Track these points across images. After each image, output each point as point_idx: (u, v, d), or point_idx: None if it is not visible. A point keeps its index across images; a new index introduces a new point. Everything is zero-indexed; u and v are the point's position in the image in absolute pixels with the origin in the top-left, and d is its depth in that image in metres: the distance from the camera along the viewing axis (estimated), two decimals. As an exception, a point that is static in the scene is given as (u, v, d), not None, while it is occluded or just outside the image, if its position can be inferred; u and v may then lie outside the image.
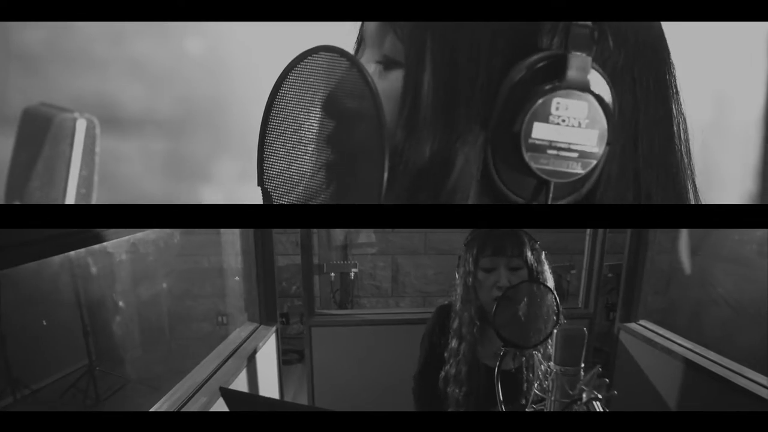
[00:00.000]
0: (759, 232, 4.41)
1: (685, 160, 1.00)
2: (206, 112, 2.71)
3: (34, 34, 2.56)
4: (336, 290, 6.28)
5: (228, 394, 1.34)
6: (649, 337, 3.29)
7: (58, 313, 4.52)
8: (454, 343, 2.11)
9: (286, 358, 5.06)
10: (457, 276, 2.17)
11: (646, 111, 0.96)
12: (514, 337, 1.52)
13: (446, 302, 2.25)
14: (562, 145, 0.88)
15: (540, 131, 0.87)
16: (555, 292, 1.61)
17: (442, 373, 2.10)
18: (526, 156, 0.88)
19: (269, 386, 3.32)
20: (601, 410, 1.23)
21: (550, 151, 0.88)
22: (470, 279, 2.08)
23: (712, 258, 5.06)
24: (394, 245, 6.29)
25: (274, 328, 3.34)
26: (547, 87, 0.87)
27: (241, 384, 2.80)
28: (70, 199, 0.95)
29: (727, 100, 2.94)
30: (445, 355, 2.13)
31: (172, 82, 2.69)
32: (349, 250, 6.38)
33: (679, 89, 0.99)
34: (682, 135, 1.00)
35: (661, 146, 0.98)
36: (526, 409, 1.43)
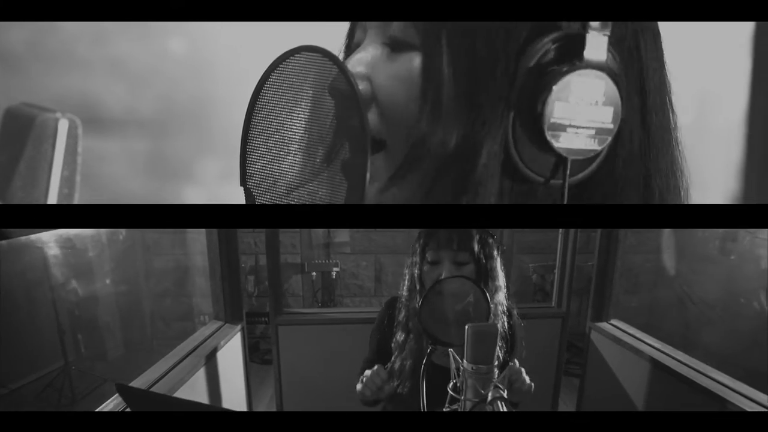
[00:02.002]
0: (721, 230, 4.44)
1: (677, 147, 1.04)
2: (189, 112, 2.70)
3: (16, 34, 2.55)
4: (318, 289, 6.29)
5: (124, 391, 1.31)
6: (618, 336, 3.30)
7: (35, 312, 4.51)
8: (399, 336, 2.04)
9: (267, 357, 5.07)
10: (406, 266, 2.10)
11: (649, 83, 0.98)
12: (441, 334, 1.46)
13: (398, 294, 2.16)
14: (581, 123, 0.91)
15: (561, 111, 0.90)
16: (486, 290, 1.55)
17: (387, 367, 2.01)
18: (548, 135, 0.90)
19: (233, 384, 3.34)
20: (505, 410, 1.20)
21: (569, 130, 0.91)
22: (416, 270, 2.02)
23: (678, 255, 5.10)
24: (377, 244, 6.29)
25: (239, 327, 3.36)
26: (567, 67, 0.89)
27: (198, 382, 2.81)
28: (53, 199, 0.95)
29: (710, 100, 2.95)
30: (392, 345, 2.06)
31: (154, 82, 2.68)
32: (331, 249, 6.39)
33: (666, 59, 1.02)
34: (673, 103, 1.03)
35: (662, 116, 1.01)
36: (444, 409, 1.37)
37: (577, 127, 0.91)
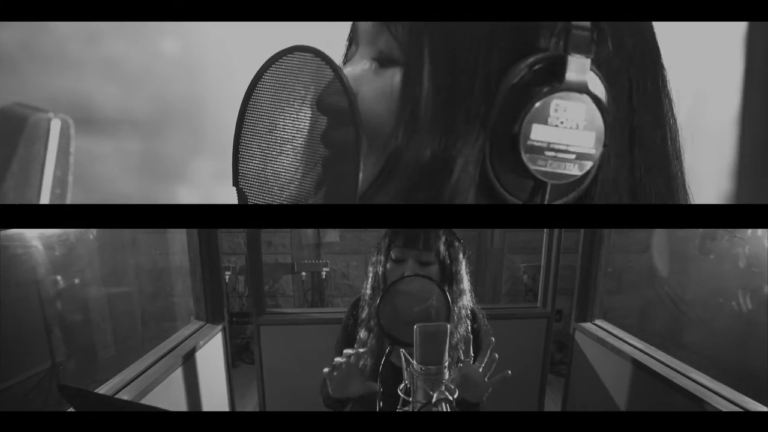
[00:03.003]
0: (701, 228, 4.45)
1: (675, 162, 1.02)
2: (182, 112, 2.70)
3: (9, 34, 2.55)
4: (308, 290, 6.28)
5: (65, 391, 1.28)
6: (601, 337, 3.31)
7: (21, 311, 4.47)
8: (362, 335, 2.01)
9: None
10: (370, 263, 2.09)
11: (641, 113, 0.97)
12: (400, 333, 1.41)
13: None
14: (560, 147, 0.89)
15: (539, 133, 0.88)
16: (446, 290, 1.50)
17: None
18: (525, 157, 0.88)
19: (215, 384, 3.34)
20: (449, 410, 1.18)
21: (548, 153, 0.89)
22: (380, 268, 2.00)
23: (662, 255, 5.11)
24: (367, 244, 6.28)
25: (220, 327, 3.36)
26: (546, 89, 0.88)
27: (175, 382, 2.81)
28: (45, 199, 0.95)
29: (703, 100, 2.96)
30: (355, 345, 2.00)
31: (147, 82, 2.68)
32: (321, 249, 6.38)
33: (670, 92, 1.01)
34: (673, 137, 1.02)
35: (655, 149, 0.99)
36: (397, 410, 1.35)
37: (556, 151, 0.89)
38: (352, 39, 1.06)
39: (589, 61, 0.88)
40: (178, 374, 2.84)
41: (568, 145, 0.89)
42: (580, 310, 3.57)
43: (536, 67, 0.88)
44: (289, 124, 0.96)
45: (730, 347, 4.02)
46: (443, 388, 1.22)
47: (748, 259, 4.18)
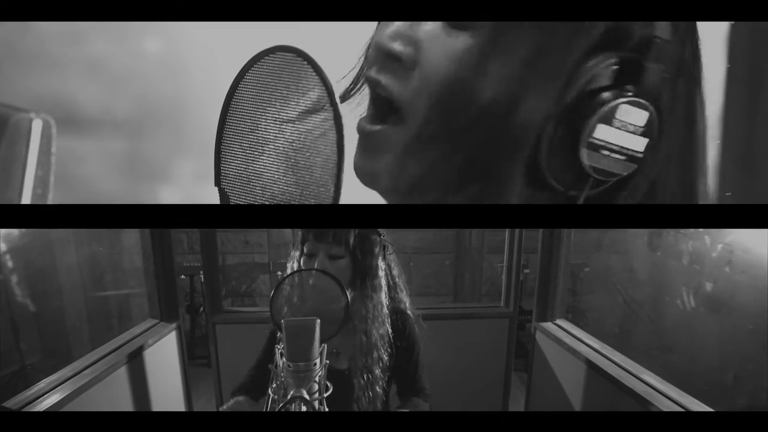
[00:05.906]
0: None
1: (701, 155, 1.05)
2: (165, 112, 2.69)
3: (-9, 33, 2.54)
4: (284, 289, 6.27)
5: None
6: (560, 337, 3.32)
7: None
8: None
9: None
10: (288, 259, 2.08)
11: (676, 113, 0.99)
12: None
13: None
14: (615, 148, 0.92)
15: (601, 132, 0.91)
16: (342, 285, 1.50)
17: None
18: (582, 152, 0.91)
19: (169, 383, 3.34)
20: (305, 410, 1.15)
21: (603, 151, 0.91)
22: (295, 264, 1.99)
23: (612, 252, 5.12)
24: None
25: (174, 325, 3.36)
26: (618, 92, 0.90)
27: (118, 380, 2.80)
28: (26, 199, 0.94)
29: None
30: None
31: (130, 82, 2.67)
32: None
33: (704, 91, 1.04)
34: (700, 135, 1.04)
35: (681, 145, 1.01)
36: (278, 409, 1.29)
37: (611, 150, 0.92)
38: None
39: (662, 69, 0.91)
40: (122, 372, 2.83)
41: (622, 147, 0.92)
42: (541, 310, 3.58)
43: (614, 67, 0.91)
44: (271, 125, 0.96)
45: (677, 346, 4.05)
46: (315, 387, 1.21)
47: (690, 256, 4.21)
